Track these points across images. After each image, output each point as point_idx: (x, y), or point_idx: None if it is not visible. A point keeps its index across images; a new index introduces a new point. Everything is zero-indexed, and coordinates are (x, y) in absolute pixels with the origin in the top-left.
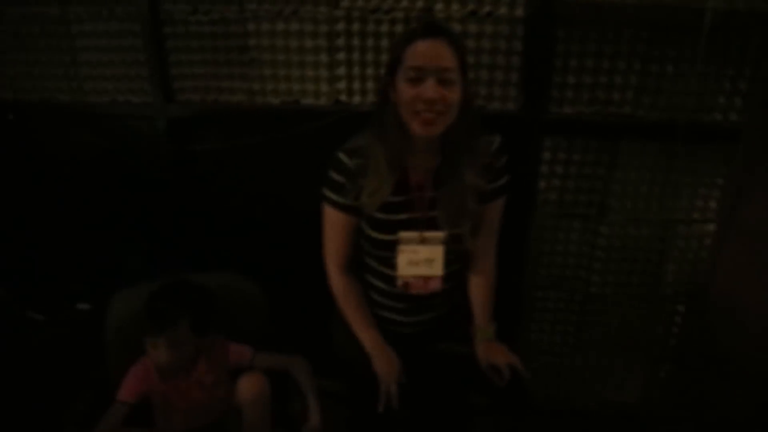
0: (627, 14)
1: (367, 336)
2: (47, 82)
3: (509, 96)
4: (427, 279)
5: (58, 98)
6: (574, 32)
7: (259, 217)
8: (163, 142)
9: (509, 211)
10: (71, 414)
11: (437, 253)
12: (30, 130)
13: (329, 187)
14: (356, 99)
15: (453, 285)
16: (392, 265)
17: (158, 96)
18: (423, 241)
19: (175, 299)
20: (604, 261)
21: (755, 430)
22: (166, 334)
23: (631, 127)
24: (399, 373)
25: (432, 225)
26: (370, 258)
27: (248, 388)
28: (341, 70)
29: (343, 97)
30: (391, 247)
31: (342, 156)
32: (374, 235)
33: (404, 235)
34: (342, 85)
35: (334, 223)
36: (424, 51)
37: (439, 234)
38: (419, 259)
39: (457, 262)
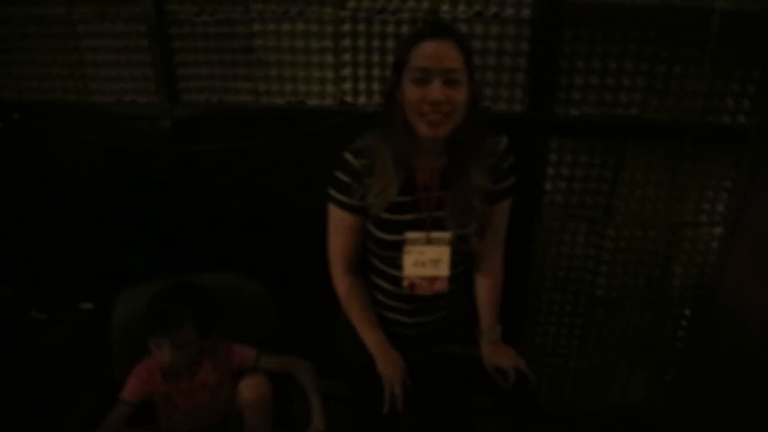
0: (634, 15)
1: (371, 337)
2: (52, 82)
3: (515, 97)
4: (432, 280)
5: (63, 98)
6: (581, 33)
7: (263, 218)
8: (167, 142)
9: (515, 213)
10: (75, 414)
11: (443, 253)
12: (35, 130)
13: (335, 187)
14: (362, 100)
15: (459, 286)
16: (398, 266)
17: (163, 96)
18: (429, 242)
19: (179, 300)
20: (610, 263)
21: None
22: (170, 335)
23: (638, 128)
24: (403, 375)
25: (438, 225)
26: (376, 259)
27: (249, 390)
28: (347, 71)
29: (349, 98)
30: (398, 247)
31: (348, 156)
32: (380, 235)
33: (410, 235)
34: (348, 85)
35: (339, 224)
36: (430, 52)
37: (446, 234)
38: (425, 260)
39: (464, 264)
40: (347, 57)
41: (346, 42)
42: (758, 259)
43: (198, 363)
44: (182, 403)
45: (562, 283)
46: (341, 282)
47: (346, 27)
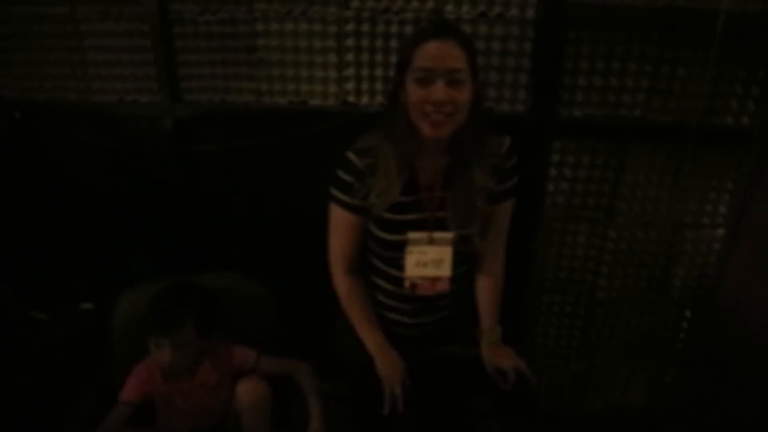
0: (638, 16)
1: (370, 337)
2: (54, 81)
3: (518, 98)
4: (434, 280)
5: (66, 98)
6: (585, 34)
7: (264, 218)
8: (169, 142)
9: (516, 214)
10: (75, 414)
11: (446, 254)
12: (37, 129)
13: (337, 187)
14: (364, 100)
15: (460, 286)
16: (400, 266)
17: (165, 96)
18: (431, 242)
19: (180, 300)
20: (611, 264)
21: None
22: (170, 335)
23: (640, 129)
24: (403, 376)
25: (441, 226)
26: (377, 259)
27: (247, 392)
28: (350, 71)
29: (351, 98)
30: (400, 247)
31: (351, 155)
32: (382, 235)
33: (413, 235)
34: (350, 86)
35: (340, 224)
36: (433, 52)
37: (448, 235)
38: (427, 260)
39: (465, 264)
40: (350, 57)
41: (350, 42)
42: (759, 260)
43: (198, 364)
44: (182, 403)
45: (563, 284)
46: (341, 282)
47: (350, 27)
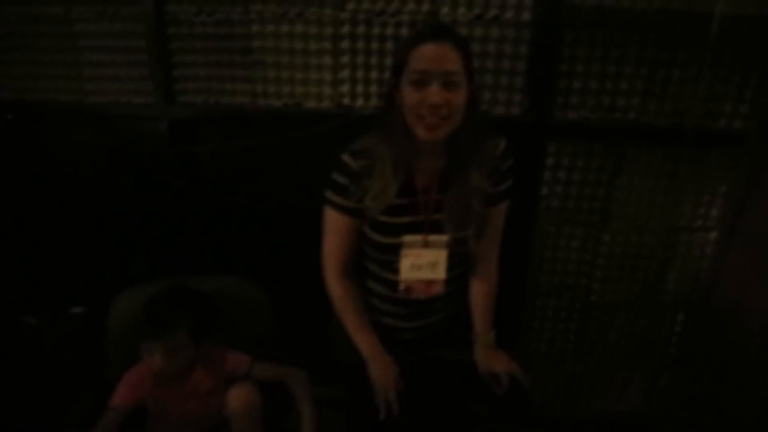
0: (634, 19)
1: (364, 341)
2: (49, 82)
3: (513, 101)
4: (429, 283)
5: (60, 99)
6: (581, 37)
7: (259, 220)
8: (164, 143)
9: (511, 217)
10: (68, 419)
11: (441, 256)
12: (31, 130)
13: (332, 190)
14: (359, 102)
15: (454, 289)
16: (395, 270)
17: (160, 97)
18: (426, 245)
19: (173, 305)
20: (605, 268)
21: None
22: (163, 340)
23: (635, 132)
24: (396, 380)
25: (436, 228)
26: (372, 263)
27: (238, 399)
28: (345, 73)
29: (347, 101)
30: (395, 250)
31: (346, 158)
32: (377, 238)
33: (408, 238)
34: (345, 88)
35: (335, 226)
36: (429, 54)
37: (443, 237)
38: (422, 263)
39: (460, 266)
40: (346, 59)
41: (345, 44)
42: (755, 262)
43: (191, 369)
44: (173, 409)
45: (558, 288)
46: (335, 286)
47: (345, 29)
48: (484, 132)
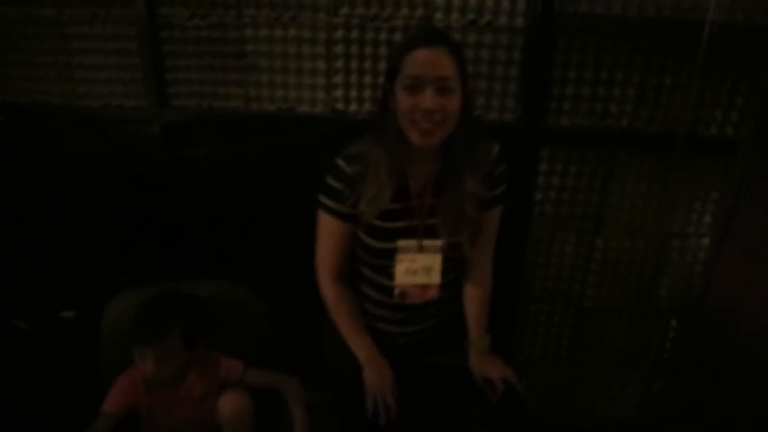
0: (627, 26)
1: (359, 346)
2: (40, 84)
3: (507, 107)
4: (424, 288)
5: (52, 101)
6: (573, 43)
7: (252, 224)
8: (157, 146)
9: (505, 223)
10: (61, 424)
11: (435, 261)
12: (22, 133)
13: (326, 194)
14: (353, 107)
15: (449, 294)
16: (389, 275)
17: (152, 101)
18: (421, 250)
19: (166, 310)
20: (598, 274)
21: None
22: (155, 345)
23: (628, 139)
24: (391, 385)
25: (430, 233)
26: (366, 267)
27: (229, 405)
28: (338, 78)
29: (340, 105)
30: (389, 255)
31: (341, 162)
32: (372, 243)
33: (402, 243)
34: (339, 93)
35: (329, 231)
36: (423, 59)
37: (437, 242)
38: (417, 268)
39: (454, 271)
40: (339, 64)
41: (339, 49)
42: (747, 267)
43: (184, 374)
44: (165, 415)
45: (551, 294)
46: (329, 290)
47: (339, 34)
48: (477, 137)
